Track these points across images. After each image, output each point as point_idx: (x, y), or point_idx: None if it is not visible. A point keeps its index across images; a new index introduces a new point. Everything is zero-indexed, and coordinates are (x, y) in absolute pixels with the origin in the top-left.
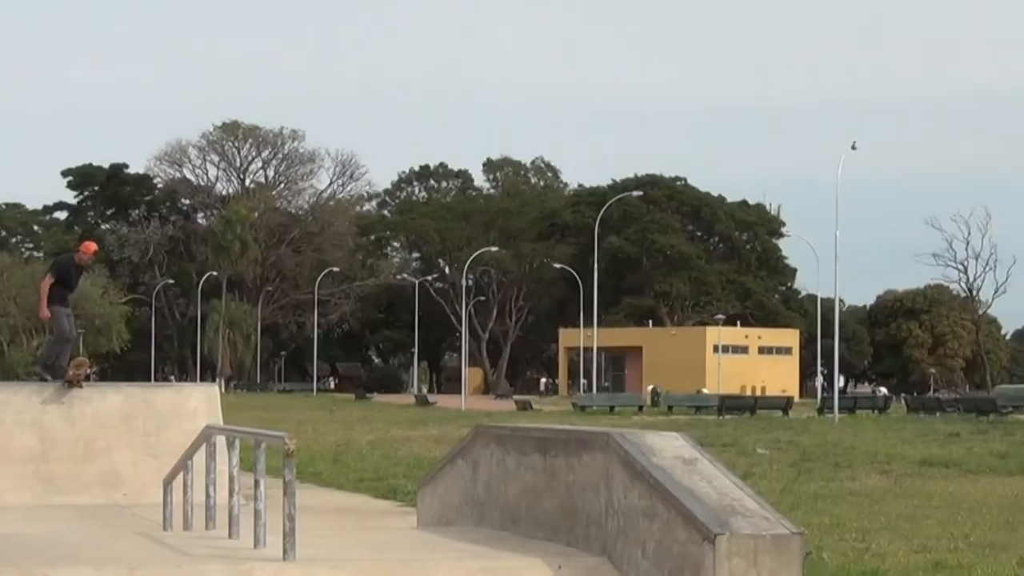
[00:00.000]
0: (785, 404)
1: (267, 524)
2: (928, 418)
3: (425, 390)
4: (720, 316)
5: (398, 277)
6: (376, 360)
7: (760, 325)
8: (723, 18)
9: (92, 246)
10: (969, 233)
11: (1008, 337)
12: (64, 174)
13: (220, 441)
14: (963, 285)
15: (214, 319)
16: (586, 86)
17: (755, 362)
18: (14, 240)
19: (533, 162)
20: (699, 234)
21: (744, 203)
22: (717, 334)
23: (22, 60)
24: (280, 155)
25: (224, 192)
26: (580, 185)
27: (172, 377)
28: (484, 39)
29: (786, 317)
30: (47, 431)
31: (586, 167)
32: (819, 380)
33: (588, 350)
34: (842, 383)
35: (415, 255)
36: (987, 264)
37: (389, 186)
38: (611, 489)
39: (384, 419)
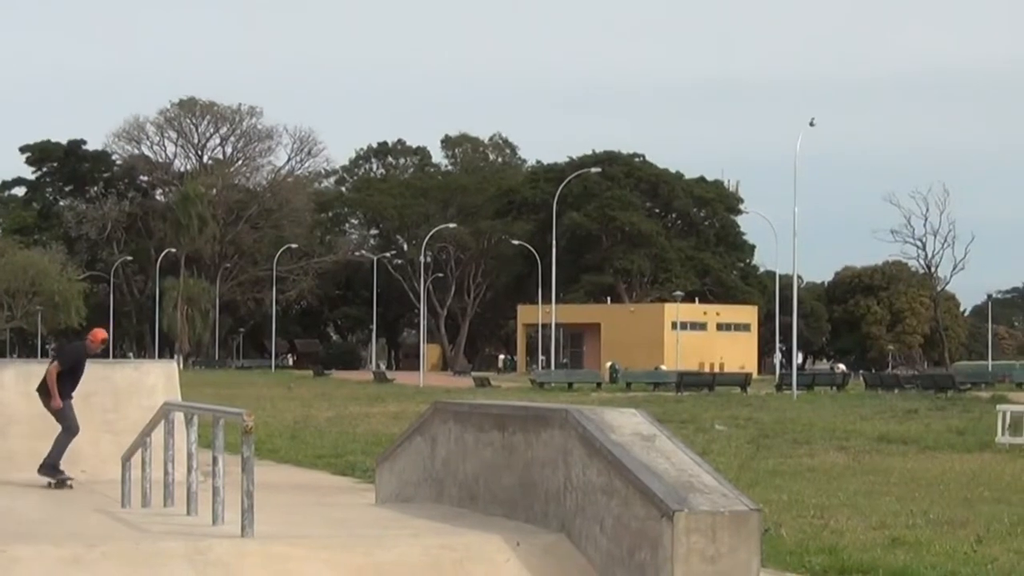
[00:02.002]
0: (743, 380)
1: (225, 501)
2: (886, 395)
3: (383, 367)
4: (679, 293)
5: (356, 254)
6: (334, 337)
7: (718, 301)
8: None
9: (101, 334)
10: (927, 210)
11: (966, 314)
12: (22, 150)
13: (178, 418)
14: (921, 262)
15: (172, 296)
16: (544, 63)
17: (713, 338)
18: None
19: (491, 139)
20: (657, 211)
21: (702, 179)
22: (675, 311)
23: None
24: (238, 132)
25: (182, 169)
26: (538, 162)
27: (130, 354)
28: (442, 16)
29: (744, 293)
30: (5, 407)
31: (544, 144)
32: (777, 356)
33: (546, 326)
34: (800, 360)
35: (373, 232)
36: (945, 241)
37: (347, 163)
38: (569, 466)
39: (342, 396)
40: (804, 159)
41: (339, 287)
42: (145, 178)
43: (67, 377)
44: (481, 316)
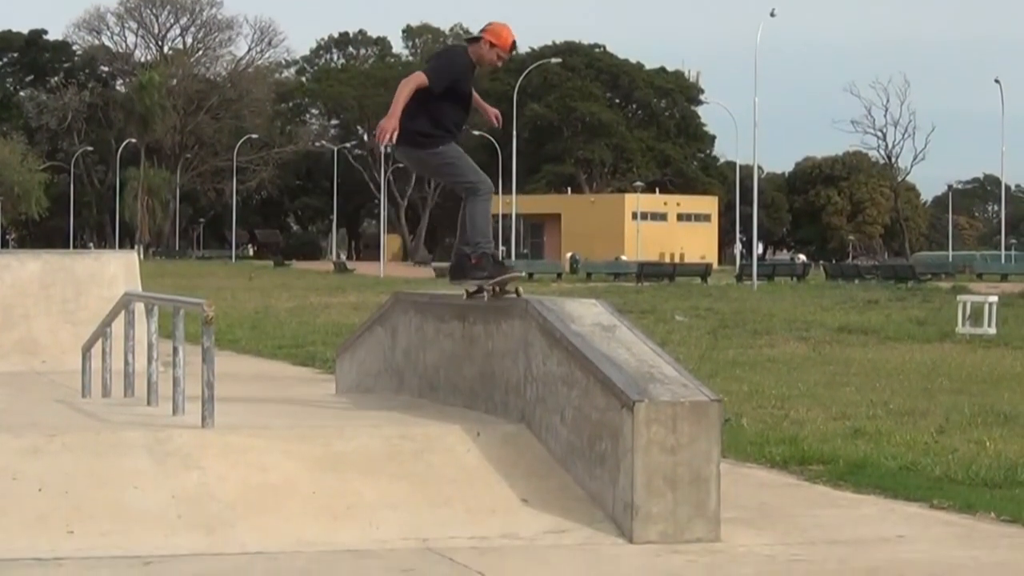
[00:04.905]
0: (704, 271)
1: (186, 391)
2: (846, 285)
3: (344, 257)
4: (639, 183)
5: (317, 144)
6: (295, 227)
7: (679, 192)
8: None
9: (508, 35)
10: (888, 100)
11: (927, 204)
12: None
13: (139, 308)
14: (882, 152)
15: (132, 186)
16: None
17: (674, 229)
18: None
19: (452, 29)
20: (618, 101)
21: (663, 70)
22: (636, 201)
23: None
24: (198, 22)
25: (143, 59)
26: None
27: (91, 244)
28: None
29: (705, 184)
30: None
31: None
32: (738, 247)
33: (507, 217)
34: (761, 250)
35: (334, 122)
36: (906, 131)
37: (307, 53)
38: (529, 356)
39: (302, 286)
40: (765, 49)
41: (299, 177)
42: (106, 68)
43: (441, 106)
44: (442, 207)
